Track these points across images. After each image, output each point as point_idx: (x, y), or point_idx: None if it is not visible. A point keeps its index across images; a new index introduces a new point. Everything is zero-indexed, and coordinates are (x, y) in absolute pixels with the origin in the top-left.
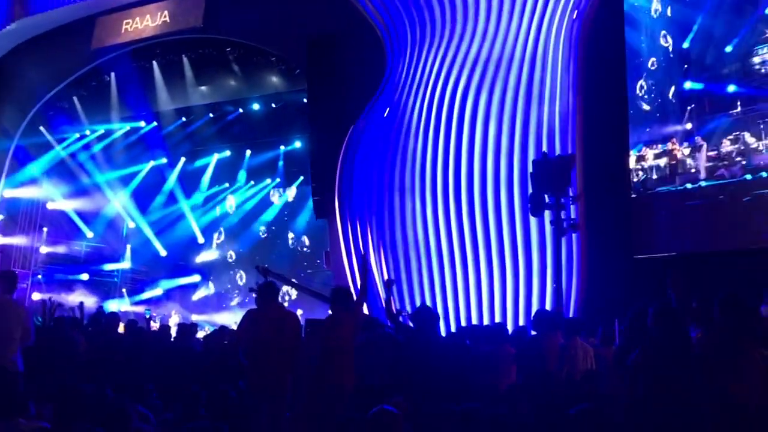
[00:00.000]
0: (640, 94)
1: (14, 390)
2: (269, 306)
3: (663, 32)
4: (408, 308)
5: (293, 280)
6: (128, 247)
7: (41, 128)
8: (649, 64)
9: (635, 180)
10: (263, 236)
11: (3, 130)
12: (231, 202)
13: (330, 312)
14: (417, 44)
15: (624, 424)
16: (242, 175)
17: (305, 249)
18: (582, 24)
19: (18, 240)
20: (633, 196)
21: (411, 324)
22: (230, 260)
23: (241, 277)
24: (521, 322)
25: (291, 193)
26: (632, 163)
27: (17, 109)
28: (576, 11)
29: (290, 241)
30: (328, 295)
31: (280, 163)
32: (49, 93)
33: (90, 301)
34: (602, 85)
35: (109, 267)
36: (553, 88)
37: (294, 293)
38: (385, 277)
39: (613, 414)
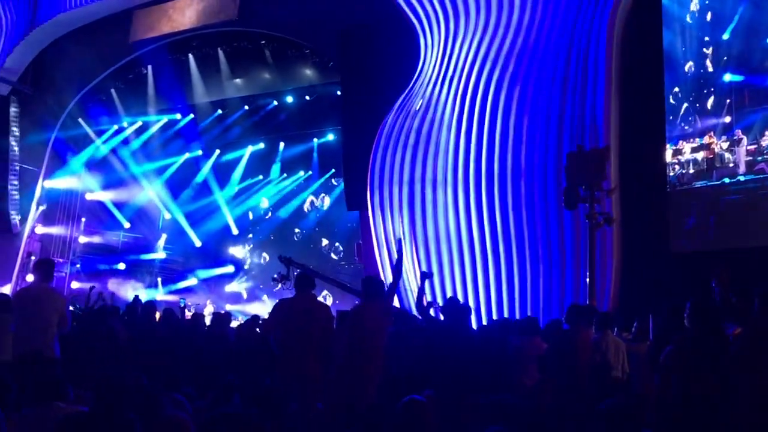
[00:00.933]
0: (674, 103)
1: (52, 375)
2: (302, 296)
3: (700, 23)
4: (439, 301)
5: (318, 271)
6: (164, 237)
7: (80, 120)
8: (686, 68)
9: (671, 174)
10: (297, 240)
11: (43, 122)
12: (265, 204)
13: (361, 300)
14: (450, 35)
15: (655, 422)
16: (276, 168)
17: (339, 258)
18: (617, 14)
19: (57, 230)
20: (668, 190)
21: (442, 317)
22: (263, 262)
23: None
24: (554, 317)
25: (326, 202)
26: (668, 156)
27: (57, 102)
28: (612, 1)
29: (324, 247)
30: (353, 287)
31: (315, 155)
32: (88, 85)
33: (127, 291)
34: (638, 77)
35: (145, 257)
36: (588, 79)
37: (331, 299)
38: (416, 269)
39: (644, 411)
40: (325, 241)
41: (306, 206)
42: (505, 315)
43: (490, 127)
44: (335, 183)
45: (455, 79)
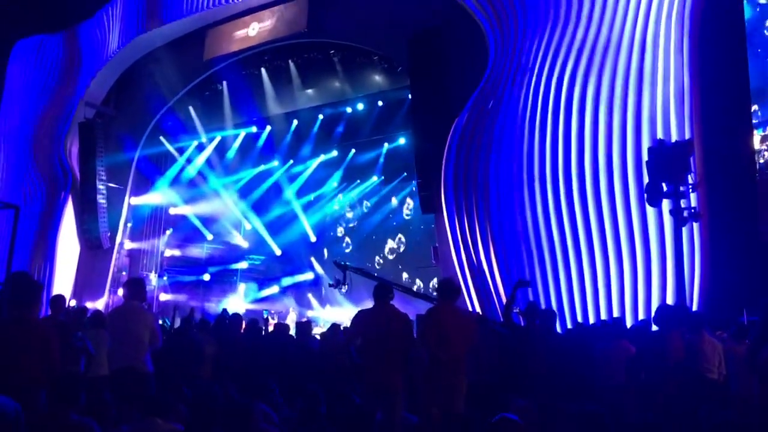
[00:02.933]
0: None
1: (150, 390)
2: (381, 305)
3: None
4: (527, 303)
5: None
6: (245, 247)
7: (161, 138)
8: None
9: (760, 161)
10: (378, 267)
11: (126, 141)
12: (344, 235)
13: (438, 302)
14: (521, 31)
15: (758, 427)
16: (337, 176)
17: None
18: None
19: (144, 244)
20: (758, 178)
21: (523, 321)
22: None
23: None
24: (641, 317)
25: (403, 242)
26: (756, 143)
27: (138, 121)
28: None
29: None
30: (424, 292)
31: (381, 159)
32: (167, 104)
33: (213, 302)
34: (720, 62)
35: (229, 267)
36: (666, 70)
37: None
38: (495, 270)
39: (748, 417)
40: (405, 275)
41: (386, 253)
42: (589, 317)
43: (565, 123)
44: (409, 215)
45: (527, 76)
